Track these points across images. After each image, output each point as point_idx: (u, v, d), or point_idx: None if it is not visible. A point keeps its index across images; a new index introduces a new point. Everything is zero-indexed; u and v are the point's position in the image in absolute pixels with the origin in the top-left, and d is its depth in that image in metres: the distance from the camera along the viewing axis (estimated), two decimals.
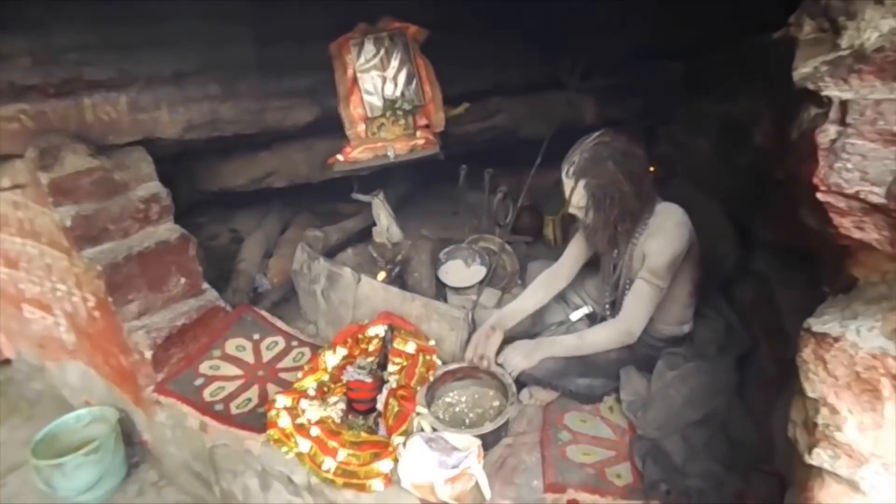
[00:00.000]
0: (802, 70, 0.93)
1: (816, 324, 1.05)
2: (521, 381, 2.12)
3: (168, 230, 2.29)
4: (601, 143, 1.95)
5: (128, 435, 2.39)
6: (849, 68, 0.87)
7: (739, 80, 2.32)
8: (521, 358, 2.07)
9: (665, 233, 1.96)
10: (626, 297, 2.06)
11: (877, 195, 0.83)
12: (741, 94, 2.30)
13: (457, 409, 2.06)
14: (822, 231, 0.95)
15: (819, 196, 0.88)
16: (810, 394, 1.06)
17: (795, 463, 1.14)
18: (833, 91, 0.87)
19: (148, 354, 2.12)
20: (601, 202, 1.96)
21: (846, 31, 0.91)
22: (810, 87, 0.91)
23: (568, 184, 2.02)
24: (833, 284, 1.15)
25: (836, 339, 0.99)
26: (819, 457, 1.04)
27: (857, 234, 0.89)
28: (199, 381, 2.17)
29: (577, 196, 2.01)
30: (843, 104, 0.84)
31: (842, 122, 0.84)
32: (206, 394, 2.13)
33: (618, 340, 2.06)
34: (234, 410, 2.07)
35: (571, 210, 2.07)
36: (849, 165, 0.84)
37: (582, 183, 1.97)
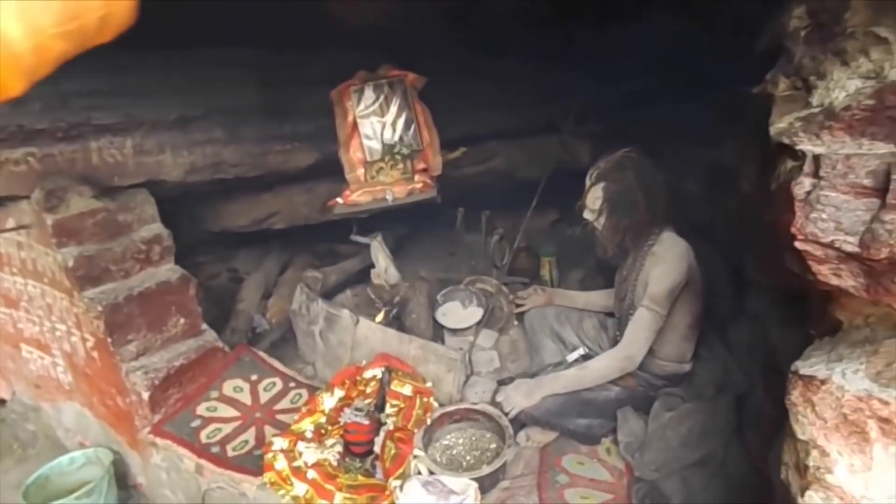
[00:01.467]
0: (778, 125, 0.99)
1: (804, 366, 1.07)
2: (520, 422, 2.12)
3: (169, 271, 2.32)
4: (627, 157, 2.11)
5: (122, 477, 2.36)
6: (820, 124, 0.92)
7: (727, 126, 2.39)
8: (522, 397, 2.08)
9: (666, 262, 2.05)
10: (627, 326, 2.10)
11: (851, 244, 0.87)
12: (728, 140, 2.37)
13: (454, 452, 2.05)
14: (804, 276, 0.98)
15: (797, 245, 0.92)
16: (801, 436, 1.07)
17: None
18: (807, 146, 0.92)
19: (145, 395, 2.12)
20: (614, 207, 2.09)
21: (817, 90, 0.96)
22: (786, 141, 0.96)
23: (589, 186, 2.15)
24: (819, 327, 1.18)
25: (823, 382, 1.02)
26: (812, 499, 1.05)
27: (834, 281, 0.93)
28: (196, 423, 2.17)
29: (592, 198, 2.14)
30: (817, 158, 0.89)
31: (816, 174, 0.89)
32: (203, 435, 2.12)
33: (619, 367, 2.08)
34: (230, 453, 2.06)
35: (585, 214, 2.19)
36: (823, 216, 0.88)
37: (601, 185, 2.11)
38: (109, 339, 2.11)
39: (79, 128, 2.16)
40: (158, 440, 2.11)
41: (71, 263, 2.07)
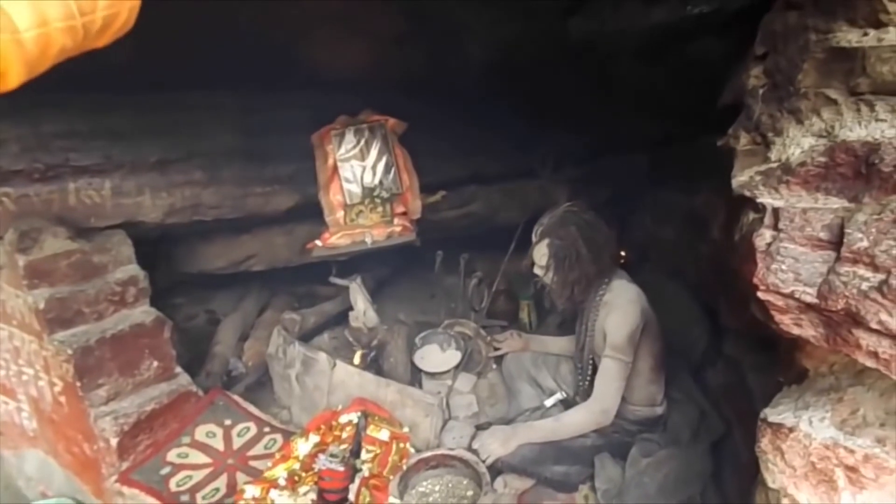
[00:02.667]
0: (740, 178, 1.02)
1: (772, 414, 1.09)
2: (497, 469, 2.09)
3: (143, 313, 2.28)
4: (569, 211, 2.15)
5: None
6: (778, 179, 0.96)
7: (700, 173, 2.46)
8: (498, 444, 2.06)
9: (619, 309, 2.08)
10: (596, 379, 2.11)
11: (810, 295, 0.89)
12: (702, 187, 2.43)
13: (430, 500, 2.01)
14: (769, 325, 1.00)
15: (760, 295, 0.94)
16: (771, 485, 1.08)
17: None
18: (766, 199, 0.96)
19: (114, 442, 2.06)
20: (561, 262, 2.12)
21: (774, 146, 1.01)
22: (747, 194, 0.99)
23: (534, 243, 2.20)
24: (787, 375, 1.20)
25: (791, 430, 1.03)
26: None
27: (796, 331, 0.95)
28: (165, 470, 2.10)
29: (539, 254, 2.19)
30: (776, 211, 0.93)
31: (775, 227, 0.92)
32: (173, 483, 2.06)
33: (594, 421, 2.08)
34: (200, 501, 2.00)
35: (535, 269, 2.24)
36: (783, 267, 0.91)
37: (545, 242, 2.15)
38: (79, 384, 2.05)
39: (56, 169, 2.15)
40: (125, 489, 2.04)
41: (42, 305, 2.03)
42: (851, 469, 0.95)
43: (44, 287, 2.07)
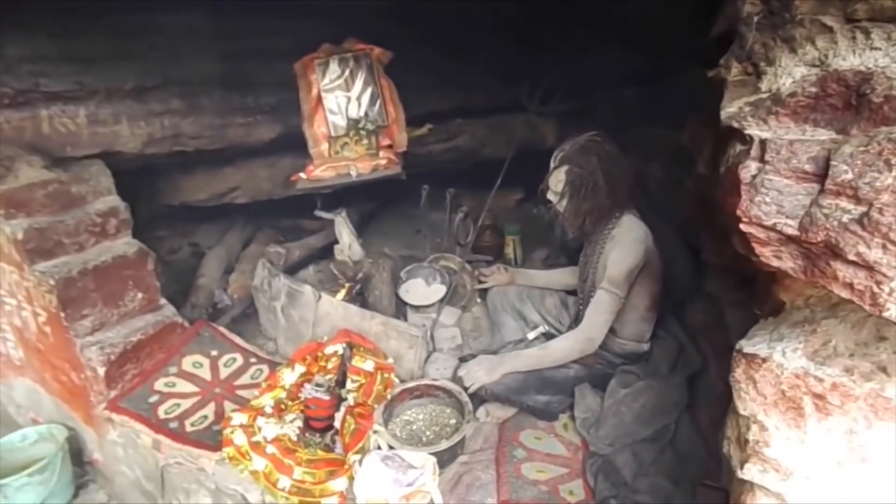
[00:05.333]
0: (729, 109, 1.01)
1: (747, 345, 1.11)
2: (480, 398, 2.15)
3: (126, 244, 2.26)
4: (592, 141, 2.13)
5: (77, 454, 2.33)
6: (768, 110, 0.94)
7: (689, 108, 2.42)
8: (483, 373, 2.11)
9: (623, 245, 2.09)
10: (587, 309, 2.14)
11: (791, 227, 0.90)
12: (690, 121, 2.40)
13: (414, 427, 2.08)
14: (750, 258, 1.01)
15: (742, 227, 0.95)
16: (742, 412, 1.12)
17: (731, 478, 1.20)
18: (754, 130, 0.95)
19: (101, 371, 2.08)
20: (577, 190, 2.11)
21: (766, 76, 0.98)
22: (735, 125, 0.98)
23: (552, 168, 2.18)
24: (764, 308, 1.22)
25: (765, 360, 1.06)
26: (750, 471, 1.10)
27: (775, 263, 0.96)
28: (153, 399, 2.14)
29: (555, 180, 2.17)
30: (763, 143, 0.91)
31: (761, 159, 0.91)
32: (161, 411, 2.10)
33: (579, 349, 2.13)
34: (188, 428, 2.05)
35: (549, 195, 2.22)
36: (767, 199, 0.91)
37: (564, 168, 2.13)
38: (62, 314, 2.05)
39: (26, 94, 2.08)
40: (115, 416, 2.08)
41: (20, 236, 2.00)
42: (819, 396, 0.98)
43: (21, 217, 2.03)
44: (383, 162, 2.54)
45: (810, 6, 0.91)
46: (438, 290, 2.66)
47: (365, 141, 2.54)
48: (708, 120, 1.36)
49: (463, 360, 2.30)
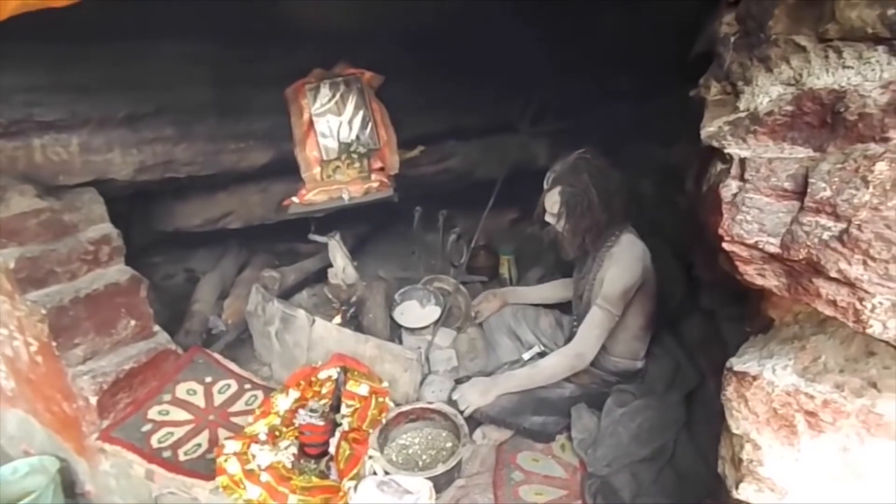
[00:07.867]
0: (709, 128, 1.01)
1: (738, 363, 1.11)
2: (476, 420, 2.13)
3: (118, 272, 2.25)
4: (581, 159, 2.14)
5: (69, 486, 2.29)
6: (746, 129, 0.95)
7: (678, 125, 2.44)
8: (477, 395, 2.10)
9: (621, 263, 2.09)
10: (581, 325, 2.14)
11: (773, 245, 0.90)
12: (679, 139, 2.42)
13: (410, 451, 2.06)
14: (734, 276, 1.01)
15: (725, 245, 0.95)
16: (735, 430, 1.11)
17: (727, 498, 1.19)
18: (734, 149, 0.95)
19: (93, 400, 2.06)
20: (573, 210, 2.11)
21: (744, 95, 1.00)
22: (715, 144, 0.98)
23: (546, 190, 2.19)
24: (753, 325, 1.22)
25: (755, 378, 1.05)
26: (745, 491, 1.09)
27: (759, 281, 0.96)
28: (146, 427, 2.12)
29: (551, 202, 2.18)
30: (743, 161, 0.92)
31: (741, 177, 0.92)
32: (154, 440, 2.07)
33: (570, 365, 2.11)
34: (182, 457, 2.02)
35: (547, 217, 2.22)
36: (748, 218, 0.91)
37: (557, 189, 2.13)
38: (54, 343, 2.04)
39: (20, 124, 2.09)
40: (107, 446, 2.06)
41: (12, 265, 1.99)
42: (811, 414, 0.97)
43: (13, 246, 2.03)
44: (375, 185, 2.54)
45: (784, 26, 0.93)
46: (433, 312, 2.65)
47: (357, 164, 2.55)
48: (695, 137, 1.37)
49: (459, 382, 2.29)
